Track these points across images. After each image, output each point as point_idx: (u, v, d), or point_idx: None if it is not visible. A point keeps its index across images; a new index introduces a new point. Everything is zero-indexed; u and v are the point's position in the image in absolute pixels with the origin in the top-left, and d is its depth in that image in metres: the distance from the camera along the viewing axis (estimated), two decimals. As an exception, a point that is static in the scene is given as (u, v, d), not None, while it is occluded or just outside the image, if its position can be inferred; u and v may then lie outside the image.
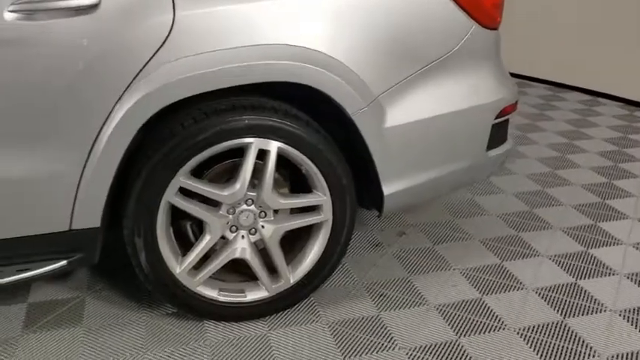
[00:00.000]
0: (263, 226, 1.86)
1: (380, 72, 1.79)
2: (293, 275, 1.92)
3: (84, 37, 1.51)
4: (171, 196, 1.72)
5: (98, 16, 1.52)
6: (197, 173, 1.79)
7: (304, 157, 1.78)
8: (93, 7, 1.51)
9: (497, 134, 2.09)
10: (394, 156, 1.89)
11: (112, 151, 1.61)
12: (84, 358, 1.75)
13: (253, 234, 1.87)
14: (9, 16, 1.46)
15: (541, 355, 1.80)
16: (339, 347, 1.82)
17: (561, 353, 1.81)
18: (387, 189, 1.92)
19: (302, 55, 1.67)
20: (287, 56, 1.65)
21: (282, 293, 1.93)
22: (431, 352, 1.80)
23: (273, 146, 1.74)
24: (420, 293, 2.09)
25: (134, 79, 1.57)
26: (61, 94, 1.54)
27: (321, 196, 1.85)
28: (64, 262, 1.74)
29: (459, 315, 1.97)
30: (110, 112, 1.58)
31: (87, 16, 1.51)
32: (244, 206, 1.82)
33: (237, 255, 1.86)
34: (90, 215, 1.68)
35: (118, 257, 2.21)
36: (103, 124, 1.59)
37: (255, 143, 1.73)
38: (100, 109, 1.57)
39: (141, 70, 1.57)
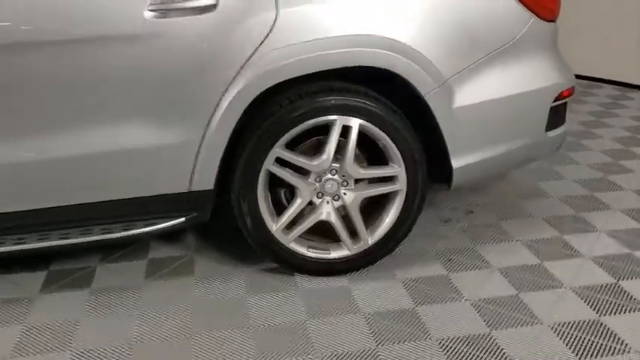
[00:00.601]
0: (345, 194, 2.16)
1: (450, 59, 2.07)
2: (371, 237, 2.20)
3: (206, 31, 1.88)
4: (269, 165, 2.05)
5: (216, 14, 1.88)
6: (290, 147, 2.11)
7: (382, 133, 2.08)
8: (212, 7, 1.87)
9: (555, 116, 2.31)
10: (462, 133, 2.15)
11: (225, 124, 1.96)
12: (195, 300, 2.10)
13: (336, 200, 2.17)
14: (148, 14, 1.84)
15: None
16: (412, 299, 2.09)
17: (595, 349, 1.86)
18: (456, 163, 2.18)
19: (386, 44, 1.97)
20: (373, 45, 1.96)
21: (362, 253, 2.22)
22: (494, 303, 2.03)
23: (355, 123, 2.05)
24: (484, 259, 2.32)
25: (243, 65, 1.92)
26: (188, 78, 1.90)
27: (396, 168, 2.13)
28: (182, 219, 2.11)
29: (521, 276, 2.20)
30: (223, 94, 1.93)
31: (208, 14, 1.87)
32: (329, 175, 2.13)
33: (322, 217, 2.17)
34: (205, 179, 2.04)
35: (219, 220, 2.56)
36: (219, 102, 1.94)
37: (339, 120, 2.04)
38: (215, 91, 1.93)
39: (249, 58, 1.92)
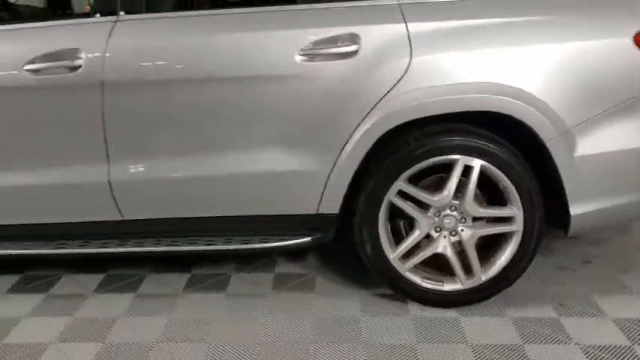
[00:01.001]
0: (462, 230, 2.29)
1: (574, 109, 2.15)
2: (485, 274, 2.30)
3: (346, 74, 2.13)
4: (392, 196, 2.24)
5: (356, 60, 2.13)
6: (413, 181, 2.28)
7: (502, 175, 2.19)
8: (354, 53, 2.12)
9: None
10: (582, 181, 2.21)
11: (354, 156, 2.19)
12: (314, 314, 2.31)
13: (453, 235, 2.30)
14: (298, 58, 2.13)
15: None
16: (520, 336, 2.15)
17: None
18: (574, 210, 2.23)
19: (512, 93, 2.10)
20: (499, 92, 2.10)
21: (474, 288, 2.32)
22: (605, 351, 2.04)
23: (477, 163, 2.18)
24: (599, 307, 2.32)
25: (375, 105, 2.14)
26: (326, 114, 2.16)
27: (514, 210, 2.23)
28: (308, 239, 2.35)
29: (637, 329, 2.17)
30: (356, 128, 2.16)
31: (349, 60, 2.13)
32: (448, 211, 2.27)
33: (438, 250, 2.30)
34: (332, 204, 2.27)
35: (340, 243, 2.78)
36: (350, 136, 2.17)
37: (461, 160, 2.18)
38: (349, 125, 2.16)
39: (381, 99, 2.14)
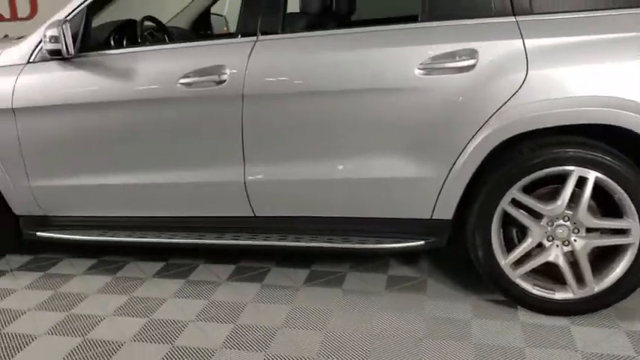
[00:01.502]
0: (575, 240, 2.32)
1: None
2: (597, 285, 2.32)
3: (463, 86, 2.26)
4: (505, 204, 2.32)
5: (473, 74, 2.25)
6: (527, 191, 2.35)
7: (618, 187, 2.21)
8: (471, 67, 2.25)
9: None
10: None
11: (469, 165, 2.31)
12: (425, 314, 2.44)
13: (566, 245, 2.34)
14: (417, 72, 2.29)
15: None
16: (634, 349, 2.15)
17: None
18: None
19: (628, 106, 2.13)
20: (613, 105, 2.14)
21: (586, 298, 2.34)
22: None
23: (592, 175, 2.22)
24: None
25: (491, 116, 2.25)
26: (443, 124, 2.30)
27: (630, 222, 2.24)
28: (422, 242, 2.49)
29: None
30: (471, 138, 2.28)
31: (466, 73, 2.26)
32: (561, 221, 2.32)
33: (550, 259, 2.35)
34: (446, 209, 2.40)
35: (452, 248, 2.89)
36: (466, 145, 2.30)
37: (576, 171, 2.23)
38: (465, 135, 2.29)
39: (496, 111, 2.24)
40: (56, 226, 2.86)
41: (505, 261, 2.38)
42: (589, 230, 2.33)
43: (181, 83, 2.48)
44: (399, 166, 2.39)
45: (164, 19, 3.92)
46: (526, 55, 2.21)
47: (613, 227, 2.29)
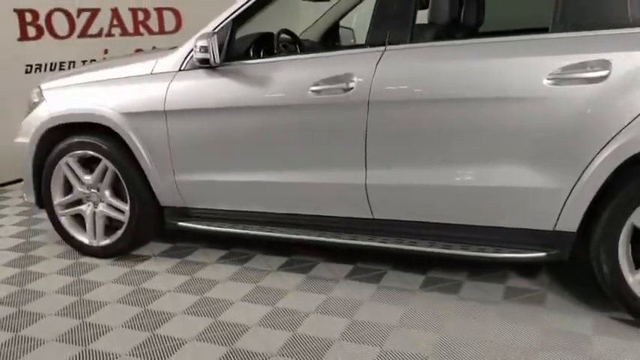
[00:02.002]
0: None
1: None
2: None
3: (593, 97, 2.23)
4: (636, 219, 2.25)
5: (604, 85, 2.21)
6: None
7: None
8: (603, 78, 2.21)
9: None
10: None
11: (596, 178, 2.26)
12: (542, 326, 2.41)
13: (702, 266, 2.22)
14: (546, 82, 2.29)
15: None
16: None
17: None
18: None
19: None
20: None
21: None
22: None
23: None
24: None
25: (622, 129, 2.20)
26: (570, 135, 2.28)
27: None
28: (543, 254, 2.46)
29: None
30: (600, 150, 2.24)
31: (597, 84, 2.22)
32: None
33: (688, 278, 2.24)
34: (570, 222, 2.36)
35: (574, 262, 2.81)
36: (593, 158, 2.25)
37: None
38: (593, 146, 2.25)
39: (628, 124, 2.18)
40: (194, 217, 3.15)
41: (633, 278, 2.30)
42: None
43: (312, 90, 2.66)
44: (523, 175, 2.39)
45: (297, 32, 4.20)
46: (663, 66, 2.14)
47: None
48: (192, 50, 2.89)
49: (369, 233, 2.78)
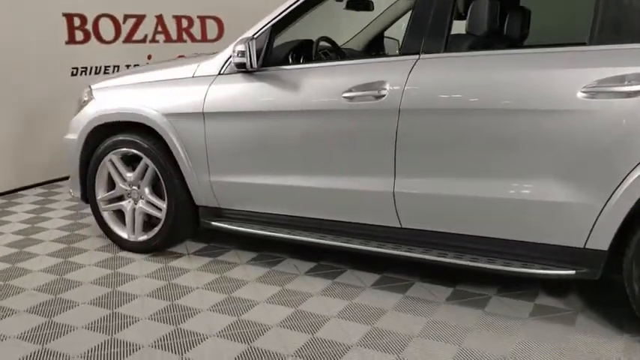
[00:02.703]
0: None
1: None
2: None
3: (628, 112, 2.16)
4: (670, 239, 2.16)
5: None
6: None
7: None
8: (638, 93, 2.14)
9: None
10: None
11: (630, 195, 2.19)
12: (570, 348, 2.33)
13: None
14: (580, 94, 2.23)
15: None
16: None
17: None
18: None
19: None
20: None
21: None
22: None
23: None
24: None
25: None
26: (604, 150, 2.21)
27: None
28: (572, 272, 2.39)
29: None
30: (635, 166, 2.16)
31: (633, 99, 2.15)
32: None
33: None
34: (602, 240, 2.29)
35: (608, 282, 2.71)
36: (628, 174, 2.18)
37: None
38: (628, 162, 2.18)
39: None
40: (227, 218, 3.22)
41: (665, 302, 2.20)
42: None
43: (345, 97, 2.68)
44: (554, 189, 2.34)
45: (340, 42, 4.25)
46: None
47: None
48: (231, 55, 2.96)
49: (396, 242, 2.77)
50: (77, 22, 5.16)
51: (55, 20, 5.01)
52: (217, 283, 3.02)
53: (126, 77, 3.54)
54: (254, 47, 2.86)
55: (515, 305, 2.69)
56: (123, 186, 3.43)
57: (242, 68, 2.93)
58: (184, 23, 5.93)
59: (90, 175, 3.49)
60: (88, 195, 3.55)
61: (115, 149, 3.37)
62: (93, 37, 5.29)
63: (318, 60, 3.22)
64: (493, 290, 2.83)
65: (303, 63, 3.10)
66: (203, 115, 3.07)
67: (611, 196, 2.23)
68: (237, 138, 3.02)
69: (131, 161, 3.40)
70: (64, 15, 5.07)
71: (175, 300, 2.83)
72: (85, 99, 3.58)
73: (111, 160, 3.41)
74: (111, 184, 3.50)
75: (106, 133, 3.42)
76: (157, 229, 3.37)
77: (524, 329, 2.48)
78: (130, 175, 3.39)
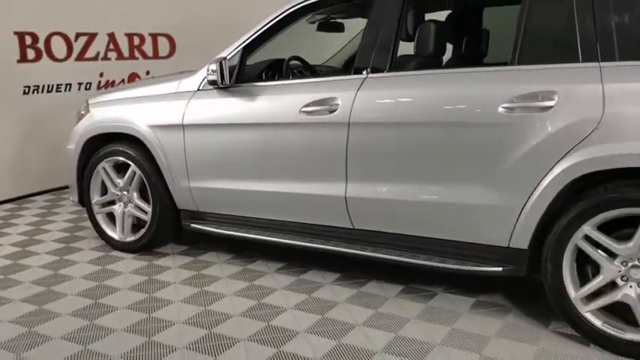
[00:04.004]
0: (649, 283, 2.33)
1: None
2: (669, 332, 2.29)
3: (542, 124, 2.43)
4: (578, 239, 2.42)
5: (552, 113, 2.42)
6: (607, 229, 2.40)
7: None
8: (550, 107, 2.42)
9: None
10: None
11: (544, 198, 2.46)
12: (497, 335, 2.60)
13: (640, 287, 2.35)
14: (501, 109, 2.52)
15: None
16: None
17: None
18: None
19: None
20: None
21: (657, 344, 2.32)
22: None
23: (665, 219, 2.24)
24: None
25: (567, 153, 2.39)
26: (522, 157, 2.49)
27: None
28: (499, 269, 2.66)
29: None
30: (548, 172, 2.43)
31: (545, 112, 2.43)
32: (636, 262, 2.34)
33: (619, 298, 2.38)
34: (522, 239, 2.56)
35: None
36: (542, 179, 2.45)
37: (647, 214, 2.27)
38: (542, 168, 2.45)
39: (572, 148, 2.38)
40: (205, 220, 3.55)
41: (575, 294, 2.46)
42: (663, 275, 2.32)
43: (303, 111, 3.00)
44: (480, 193, 2.61)
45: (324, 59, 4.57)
46: (604, 98, 2.32)
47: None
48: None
49: (350, 242, 3.06)
50: (29, 40, 5.17)
51: (6, 39, 5.02)
52: (193, 279, 3.34)
53: (118, 93, 3.90)
54: (227, 66, 3.20)
55: (458, 301, 2.95)
56: (114, 191, 3.78)
57: (215, 85, 3.26)
58: (136, 41, 6.01)
59: (85, 181, 3.86)
60: (84, 199, 3.92)
61: (108, 158, 3.74)
62: (45, 55, 5.31)
63: (286, 77, 3.54)
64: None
65: (270, 80, 3.43)
66: (183, 127, 3.41)
67: (528, 199, 2.50)
68: (212, 148, 3.35)
69: (122, 169, 3.75)
70: (16, 33, 5.09)
71: (153, 293, 3.16)
72: (82, 112, 3.95)
73: (104, 168, 3.77)
74: (104, 190, 3.86)
75: (100, 143, 3.79)
76: (143, 231, 3.71)
77: (461, 321, 2.74)
78: (119, 181, 3.74)
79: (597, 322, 2.44)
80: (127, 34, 5.92)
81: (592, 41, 2.41)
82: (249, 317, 2.84)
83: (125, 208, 3.76)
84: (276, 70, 3.62)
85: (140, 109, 3.62)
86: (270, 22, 3.27)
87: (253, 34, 3.29)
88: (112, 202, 3.84)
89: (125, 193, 3.75)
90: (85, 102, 3.99)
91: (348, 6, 3.18)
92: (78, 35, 5.53)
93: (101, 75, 5.75)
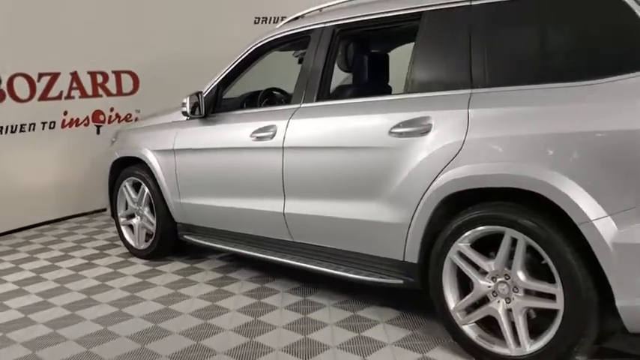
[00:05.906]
0: (513, 299, 2.44)
1: (610, 196, 2.12)
2: (530, 346, 2.38)
3: (423, 147, 2.65)
4: (452, 254, 2.59)
5: (429, 137, 2.63)
6: (480, 247, 2.55)
7: (543, 252, 2.30)
8: (427, 132, 2.64)
9: None
10: (625, 270, 2.10)
11: (423, 215, 2.67)
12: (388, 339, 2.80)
13: (508, 302, 2.46)
14: (389, 134, 2.77)
15: None
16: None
17: None
18: (620, 301, 2.13)
19: (544, 174, 2.26)
20: (531, 172, 2.30)
21: (522, 357, 2.41)
22: None
23: (520, 237, 2.35)
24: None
25: (439, 173, 2.59)
26: (406, 177, 2.72)
27: (555, 287, 2.28)
28: (400, 281, 2.88)
29: None
30: (426, 190, 2.64)
31: (424, 136, 2.65)
32: (502, 279, 2.47)
33: (490, 313, 2.50)
34: (412, 254, 2.77)
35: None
36: (422, 196, 2.66)
37: (507, 232, 2.39)
38: (422, 187, 2.66)
39: (443, 169, 2.58)
40: (195, 233, 4.07)
41: (453, 306, 2.62)
42: (527, 291, 2.41)
43: (252, 137, 3.43)
44: (380, 210, 2.86)
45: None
46: (468, 122, 2.50)
47: (540, 290, 2.35)
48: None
49: (293, 253, 3.42)
50: (-8, 82, 5.05)
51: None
52: (181, 282, 3.88)
53: (137, 122, 4.60)
54: (203, 99, 3.73)
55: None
56: (133, 206, 4.45)
57: (192, 115, 3.79)
58: (99, 79, 5.96)
59: (113, 197, 4.58)
60: (113, 212, 4.65)
61: (127, 178, 4.42)
62: (8, 96, 5.32)
63: (259, 107, 4.00)
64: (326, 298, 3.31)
65: (238, 109, 3.90)
66: (174, 152, 3.99)
67: (412, 217, 2.71)
68: (192, 168, 3.89)
69: (138, 187, 4.42)
70: (-21, 76, 5.03)
71: (138, 292, 3.74)
72: (113, 140, 4.70)
73: (125, 186, 4.46)
74: (127, 205, 4.55)
75: (123, 165, 4.50)
76: (150, 240, 4.34)
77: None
78: (135, 197, 4.41)
79: (473, 335, 2.58)
80: (89, 72, 5.87)
81: (467, 70, 2.59)
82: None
83: (140, 220, 4.42)
84: (255, 100, 4.09)
85: (146, 137, 4.27)
86: (240, 59, 3.75)
87: (226, 71, 3.79)
88: (132, 216, 4.51)
89: (140, 207, 4.40)
90: (115, 131, 4.74)
91: (300, 42, 3.55)
92: (40, 75, 5.52)
93: (65, 113, 5.76)
